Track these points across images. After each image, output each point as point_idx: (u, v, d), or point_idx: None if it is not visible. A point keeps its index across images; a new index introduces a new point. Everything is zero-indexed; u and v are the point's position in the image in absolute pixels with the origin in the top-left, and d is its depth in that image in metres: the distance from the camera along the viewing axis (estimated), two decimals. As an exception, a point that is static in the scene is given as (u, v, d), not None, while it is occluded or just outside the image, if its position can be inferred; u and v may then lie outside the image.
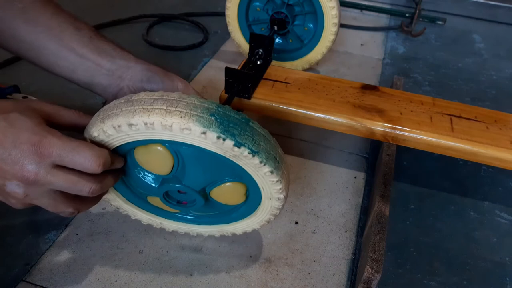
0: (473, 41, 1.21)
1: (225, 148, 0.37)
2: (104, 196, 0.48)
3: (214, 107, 0.38)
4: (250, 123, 0.40)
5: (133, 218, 0.53)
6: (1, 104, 0.37)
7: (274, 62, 0.72)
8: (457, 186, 0.69)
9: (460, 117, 0.61)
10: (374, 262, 0.46)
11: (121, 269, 0.51)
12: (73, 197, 0.40)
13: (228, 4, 0.85)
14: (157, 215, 0.52)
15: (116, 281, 0.49)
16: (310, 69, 0.92)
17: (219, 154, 0.39)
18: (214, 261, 0.53)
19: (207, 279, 0.51)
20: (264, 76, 0.67)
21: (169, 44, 1.00)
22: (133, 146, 0.41)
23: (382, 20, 1.26)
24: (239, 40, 0.91)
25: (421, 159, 0.73)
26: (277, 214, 0.47)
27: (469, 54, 1.13)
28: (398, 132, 0.58)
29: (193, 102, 0.37)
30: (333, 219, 0.60)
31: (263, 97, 0.62)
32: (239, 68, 0.69)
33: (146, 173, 0.45)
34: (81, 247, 0.53)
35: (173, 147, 0.41)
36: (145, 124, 0.36)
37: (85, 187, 0.38)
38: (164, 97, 0.37)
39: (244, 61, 0.71)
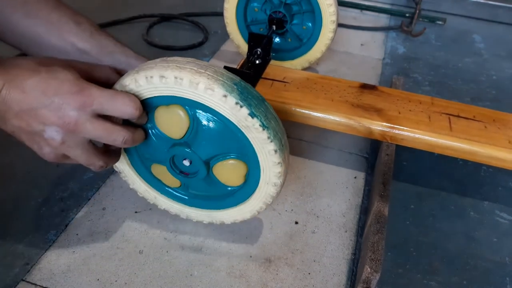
0: (473, 41, 1.21)
1: (240, 116, 0.40)
2: None
3: (238, 80, 0.42)
4: (266, 103, 0.43)
5: (131, 186, 0.54)
6: (43, 59, 0.39)
7: (273, 62, 0.72)
8: (457, 186, 0.69)
9: (458, 116, 0.61)
10: (373, 262, 0.46)
11: (121, 269, 0.51)
12: (102, 151, 0.43)
13: (226, 5, 0.85)
14: (154, 187, 0.54)
15: (116, 281, 0.50)
16: (309, 68, 0.92)
17: (232, 124, 0.42)
18: (214, 261, 0.53)
19: (207, 279, 0.51)
20: (263, 76, 0.67)
21: (169, 44, 1.00)
22: (156, 104, 0.43)
23: (382, 20, 1.26)
24: (238, 41, 0.91)
25: (421, 158, 0.73)
26: (269, 203, 0.49)
27: (469, 54, 1.12)
28: (397, 131, 0.58)
29: (221, 71, 0.41)
30: (333, 219, 0.60)
31: (262, 97, 0.62)
32: (238, 67, 0.69)
33: (160, 135, 0.46)
34: (81, 247, 0.53)
35: (192, 111, 0.43)
36: (175, 78, 0.39)
37: (119, 136, 0.40)
38: (197, 62, 0.41)
39: (243, 60, 0.71)
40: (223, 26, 0.92)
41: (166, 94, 0.41)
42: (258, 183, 0.47)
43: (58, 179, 0.62)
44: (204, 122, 0.44)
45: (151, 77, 0.40)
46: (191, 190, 0.53)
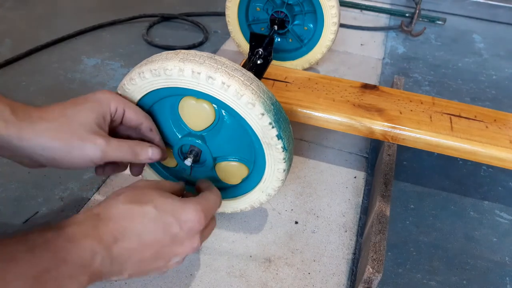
0: (473, 41, 1.21)
1: (268, 134, 0.42)
2: None
3: (275, 99, 0.43)
4: (290, 125, 0.45)
5: None
6: (130, 194, 0.38)
7: (273, 62, 0.72)
8: (457, 186, 0.69)
9: (459, 116, 0.61)
10: (375, 262, 0.46)
11: (121, 268, 0.51)
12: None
13: (228, 4, 0.85)
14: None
15: (116, 281, 0.49)
16: (310, 68, 0.92)
17: (255, 137, 0.43)
18: (214, 261, 0.53)
19: (207, 279, 0.51)
20: (264, 76, 0.67)
21: (169, 44, 1.00)
22: (185, 93, 0.43)
23: (382, 20, 1.26)
24: (239, 40, 0.91)
25: (421, 158, 0.73)
26: (255, 207, 0.52)
27: (469, 54, 1.13)
28: (398, 131, 0.58)
29: (263, 88, 0.42)
30: (333, 218, 0.60)
31: (263, 96, 0.62)
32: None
33: (179, 122, 0.47)
34: (81, 246, 0.53)
35: (220, 111, 0.44)
36: (223, 83, 0.40)
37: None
38: (243, 71, 0.41)
39: (244, 60, 0.71)
40: (223, 26, 0.92)
41: (201, 91, 0.41)
42: (253, 189, 0.50)
43: (58, 179, 0.62)
44: (229, 125, 0.45)
45: (198, 73, 0.40)
46: (184, 174, 0.54)
